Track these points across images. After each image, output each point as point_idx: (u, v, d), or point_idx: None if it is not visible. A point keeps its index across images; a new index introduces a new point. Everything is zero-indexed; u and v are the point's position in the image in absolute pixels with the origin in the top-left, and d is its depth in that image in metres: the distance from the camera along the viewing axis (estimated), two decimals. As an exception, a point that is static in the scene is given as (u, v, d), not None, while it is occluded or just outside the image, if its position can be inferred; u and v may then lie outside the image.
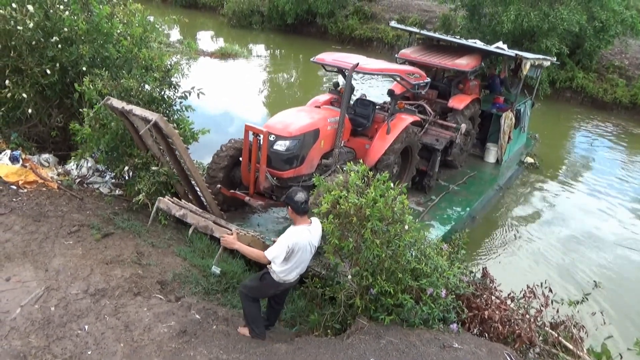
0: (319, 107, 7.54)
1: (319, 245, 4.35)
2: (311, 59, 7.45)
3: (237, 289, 4.87)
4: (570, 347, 4.52)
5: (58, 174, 6.62)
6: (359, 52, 22.33)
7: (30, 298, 4.18)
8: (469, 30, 18.54)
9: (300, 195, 4.06)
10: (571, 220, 9.64)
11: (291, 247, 3.98)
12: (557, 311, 4.83)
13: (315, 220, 4.29)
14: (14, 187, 5.93)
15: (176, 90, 6.73)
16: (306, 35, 26.33)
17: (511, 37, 16.56)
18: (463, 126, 8.88)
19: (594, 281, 7.41)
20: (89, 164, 6.89)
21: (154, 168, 5.96)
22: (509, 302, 4.86)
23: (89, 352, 3.77)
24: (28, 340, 3.75)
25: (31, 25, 6.15)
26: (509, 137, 10.47)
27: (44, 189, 6.09)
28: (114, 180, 6.97)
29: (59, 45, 6.36)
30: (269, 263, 4.06)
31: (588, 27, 16.83)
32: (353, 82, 7.05)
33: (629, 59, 19.67)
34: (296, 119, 6.61)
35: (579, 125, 16.85)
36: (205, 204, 6.22)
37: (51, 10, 6.38)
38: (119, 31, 6.83)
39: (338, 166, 6.38)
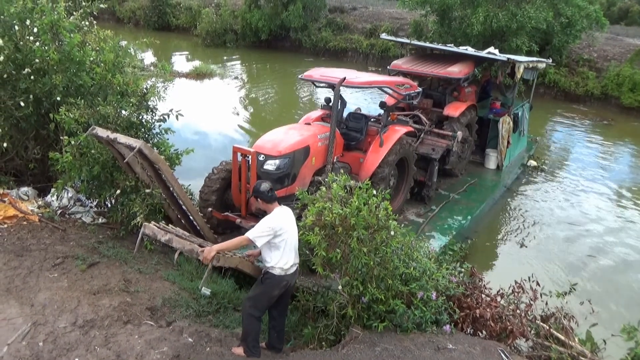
0: (309, 123, 7.51)
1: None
2: (299, 76, 7.41)
3: (242, 307, 4.68)
4: (562, 337, 4.58)
5: (38, 207, 6.52)
6: (334, 63, 22.63)
7: (17, 335, 4.10)
8: (440, 34, 18.84)
9: (265, 185, 4.30)
10: (560, 216, 9.75)
11: (275, 229, 4.08)
12: (546, 304, 4.89)
13: (283, 207, 4.41)
14: (-6, 224, 5.83)
15: (154, 114, 6.71)
16: (281, 49, 26.53)
17: (482, 39, 16.87)
18: (459, 134, 8.84)
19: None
20: (70, 194, 6.80)
21: (147, 190, 5.89)
22: (499, 298, 4.90)
23: (81, 386, 3.70)
24: (17, 378, 3.67)
25: (1, 58, 6.10)
26: (508, 142, 10.41)
27: (25, 222, 5.99)
28: (96, 209, 6.89)
29: (32, 77, 6.31)
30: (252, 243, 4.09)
31: (555, 23, 17.26)
32: (346, 96, 7.02)
33: (597, 52, 20.19)
34: (285, 137, 6.59)
35: (555, 119, 17.17)
36: (198, 228, 6.17)
37: (21, 42, 6.34)
38: (91, 59, 6.80)
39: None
